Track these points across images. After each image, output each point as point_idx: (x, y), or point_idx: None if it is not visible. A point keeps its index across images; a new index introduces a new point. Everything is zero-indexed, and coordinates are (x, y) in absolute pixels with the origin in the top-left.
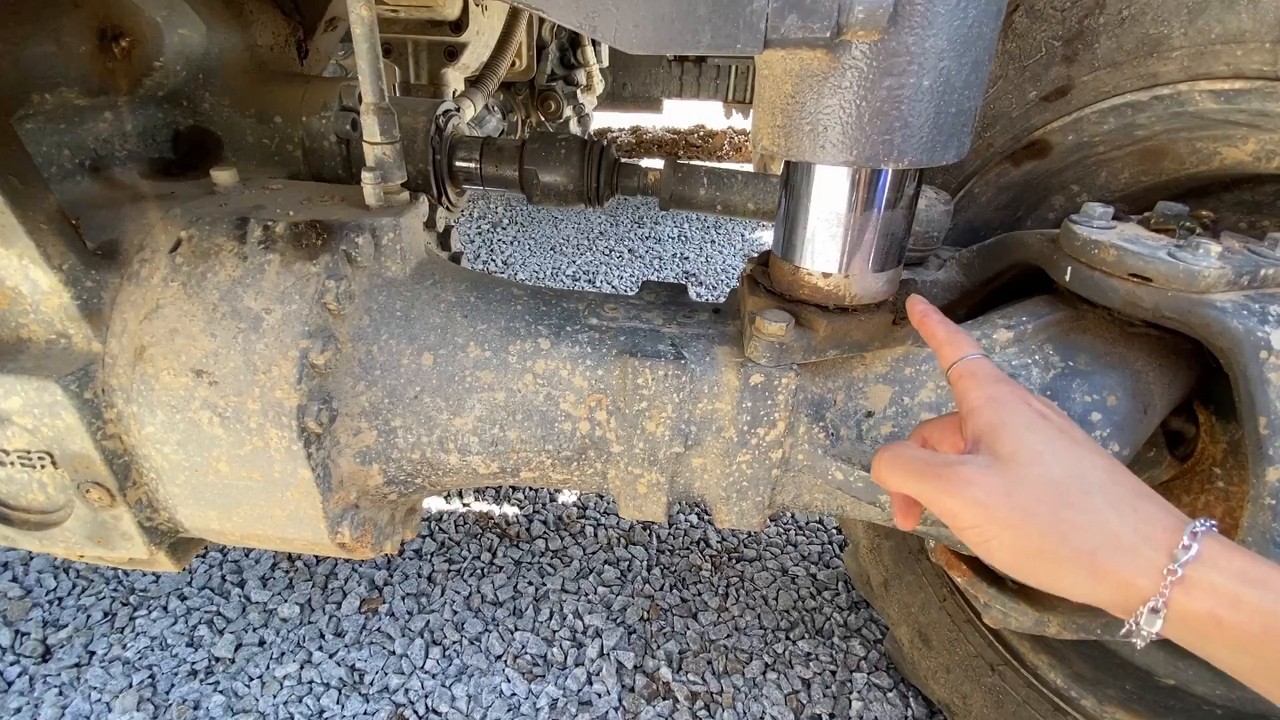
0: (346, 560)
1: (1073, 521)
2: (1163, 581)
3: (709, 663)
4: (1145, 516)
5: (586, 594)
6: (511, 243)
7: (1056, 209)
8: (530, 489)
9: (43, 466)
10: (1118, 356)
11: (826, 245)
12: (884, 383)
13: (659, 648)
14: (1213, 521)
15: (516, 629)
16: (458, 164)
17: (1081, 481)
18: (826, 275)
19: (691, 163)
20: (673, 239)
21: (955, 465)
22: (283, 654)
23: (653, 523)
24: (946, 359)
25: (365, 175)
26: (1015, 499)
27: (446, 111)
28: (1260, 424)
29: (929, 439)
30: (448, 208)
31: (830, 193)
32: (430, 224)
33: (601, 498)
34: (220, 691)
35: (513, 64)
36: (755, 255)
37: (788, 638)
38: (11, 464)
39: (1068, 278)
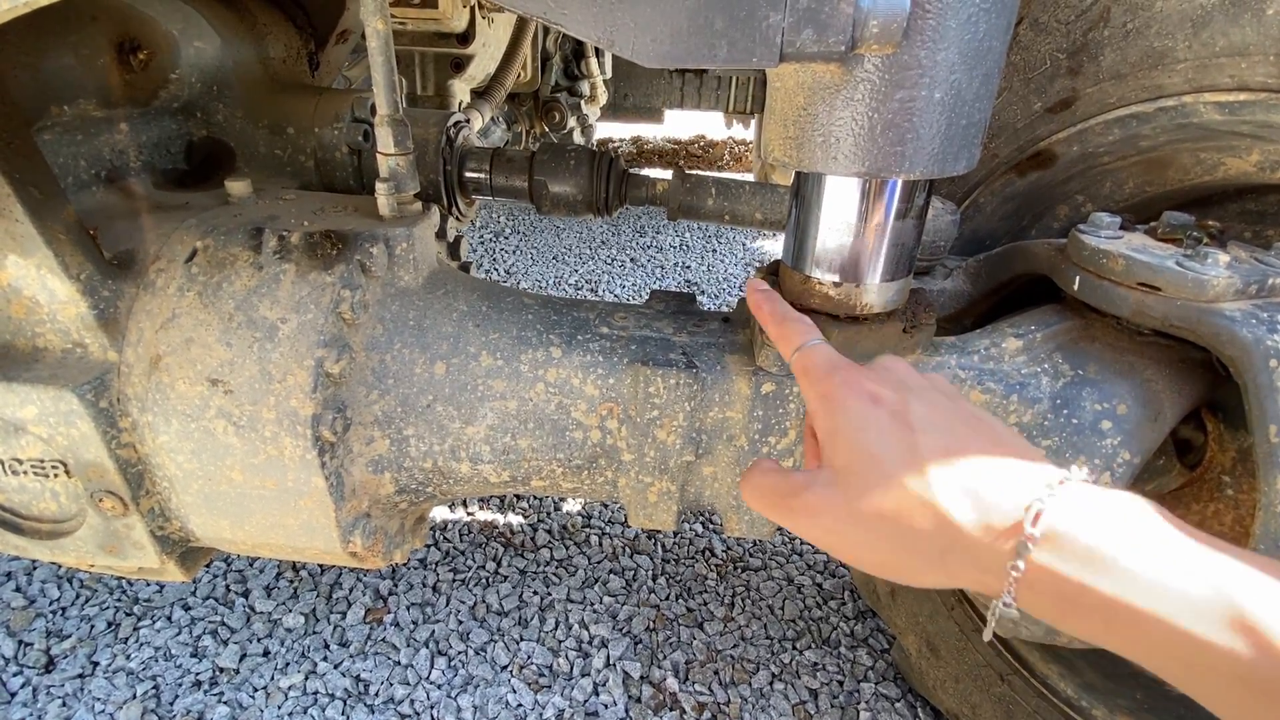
0: (352, 570)
1: (914, 529)
2: (1007, 579)
3: (716, 673)
4: (990, 499)
5: (592, 604)
6: (514, 252)
7: (1061, 219)
8: (535, 498)
9: (56, 475)
10: (1127, 365)
11: (837, 255)
12: None
13: (665, 658)
14: (1064, 475)
15: (522, 639)
16: (468, 175)
17: (919, 474)
18: (837, 284)
19: (699, 173)
20: (674, 248)
21: (801, 493)
22: (287, 664)
23: (658, 532)
24: (785, 353)
25: (379, 186)
26: (858, 519)
27: (457, 123)
28: (1270, 432)
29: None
30: (458, 218)
31: (841, 203)
32: (441, 234)
33: (606, 506)
34: (224, 702)
35: (518, 75)
36: (763, 264)
37: (794, 647)
38: (25, 473)
39: (1076, 287)
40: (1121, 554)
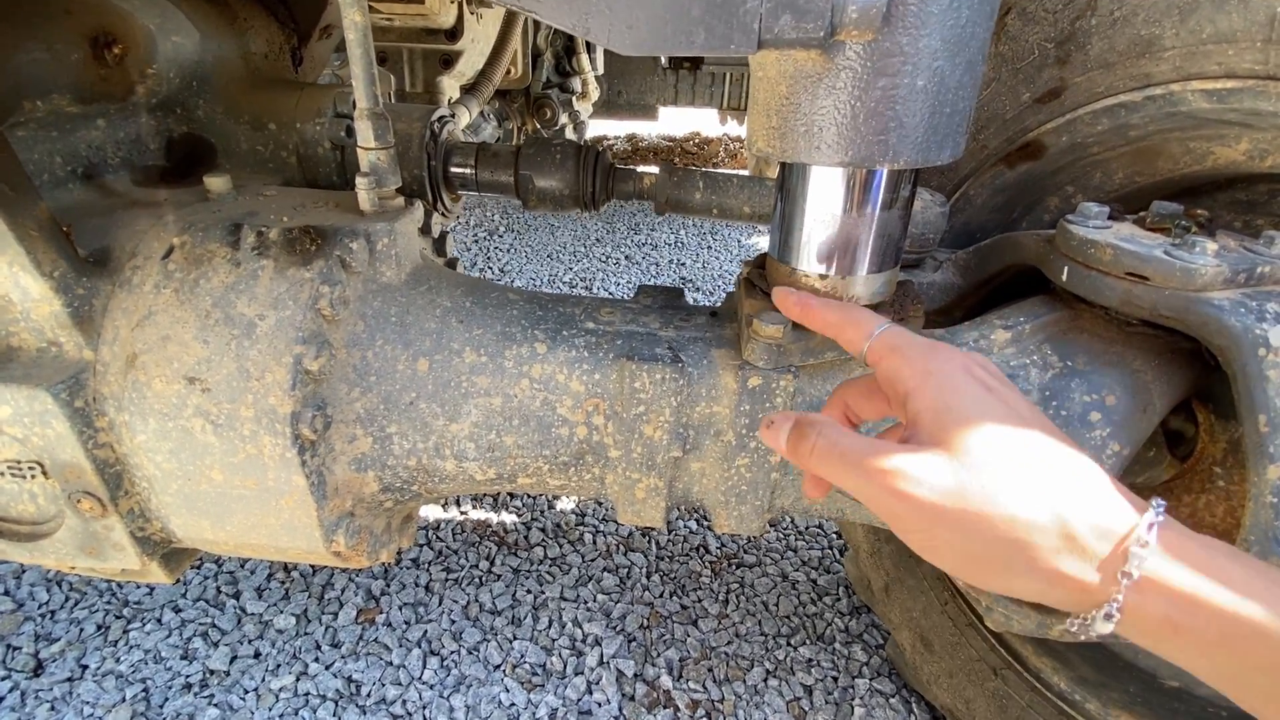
0: (343, 570)
1: (1028, 523)
2: (1117, 586)
3: (710, 670)
4: (1099, 505)
5: (586, 602)
6: (508, 250)
7: (1051, 210)
8: (528, 496)
9: (33, 476)
10: (1116, 356)
11: (822, 247)
12: None
13: (659, 655)
14: (1164, 503)
15: (515, 638)
16: (453, 170)
17: (1035, 470)
18: (823, 277)
19: (686, 167)
20: (669, 245)
21: (898, 459)
22: (278, 666)
23: (651, 529)
24: (855, 340)
25: (359, 181)
26: (967, 500)
27: (441, 118)
28: (1260, 422)
29: (851, 405)
30: (443, 213)
31: (826, 194)
32: (426, 230)
33: (600, 504)
34: (215, 705)
35: (508, 72)
36: (750, 259)
37: (789, 644)
38: (1, 474)
39: (1064, 277)
40: (1233, 570)
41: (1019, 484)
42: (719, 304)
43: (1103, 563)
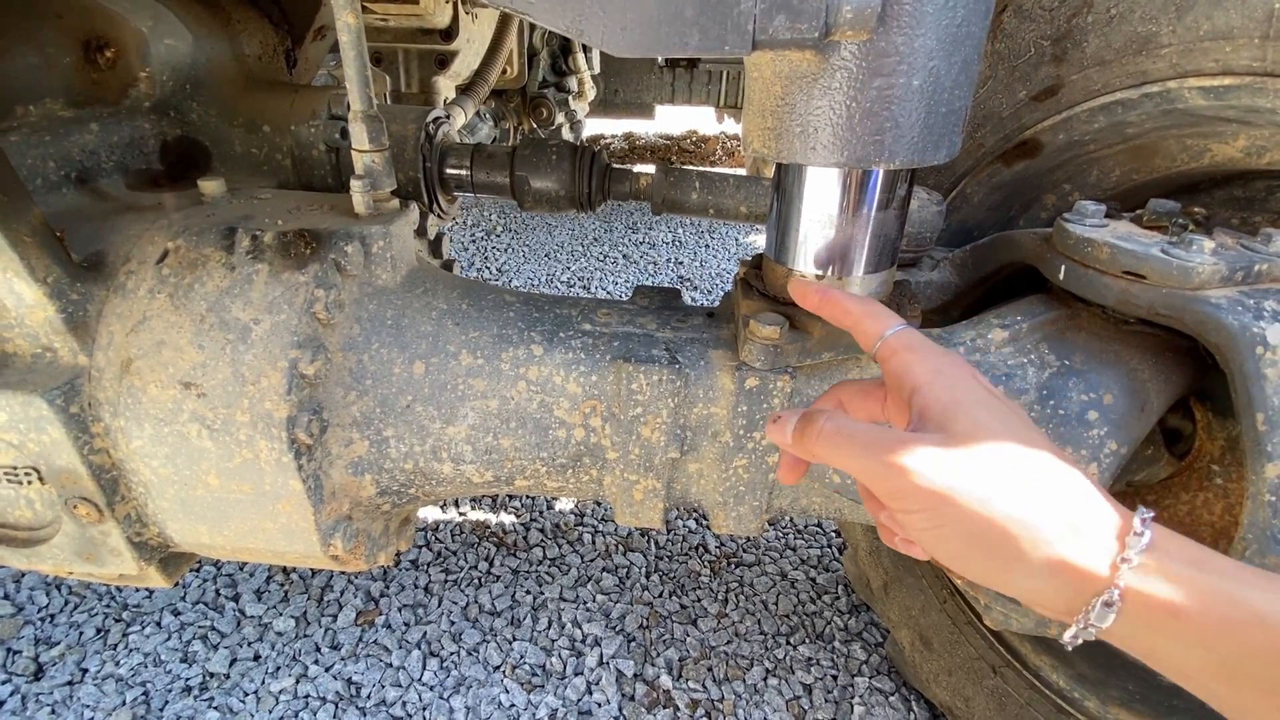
0: (342, 572)
1: (1035, 510)
2: (1117, 572)
3: (709, 670)
4: (1094, 503)
5: (585, 602)
6: (505, 250)
7: (1049, 208)
8: (526, 497)
9: (29, 482)
10: (1113, 354)
11: (819, 247)
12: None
13: (659, 655)
14: (1153, 510)
15: (515, 639)
16: (448, 171)
17: (1038, 464)
18: (820, 277)
19: (682, 167)
20: (667, 244)
21: (908, 442)
22: (278, 668)
23: (650, 530)
24: (870, 334)
25: (354, 183)
26: (974, 485)
27: (436, 119)
28: (1257, 420)
29: (846, 403)
30: (439, 215)
31: (822, 194)
32: (421, 232)
33: (598, 505)
34: (215, 708)
35: (504, 71)
36: (747, 260)
37: (788, 643)
38: None
39: (1061, 276)
40: (1225, 562)
41: (1023, 475)
42: (716, 304)
43: (1102, 549)
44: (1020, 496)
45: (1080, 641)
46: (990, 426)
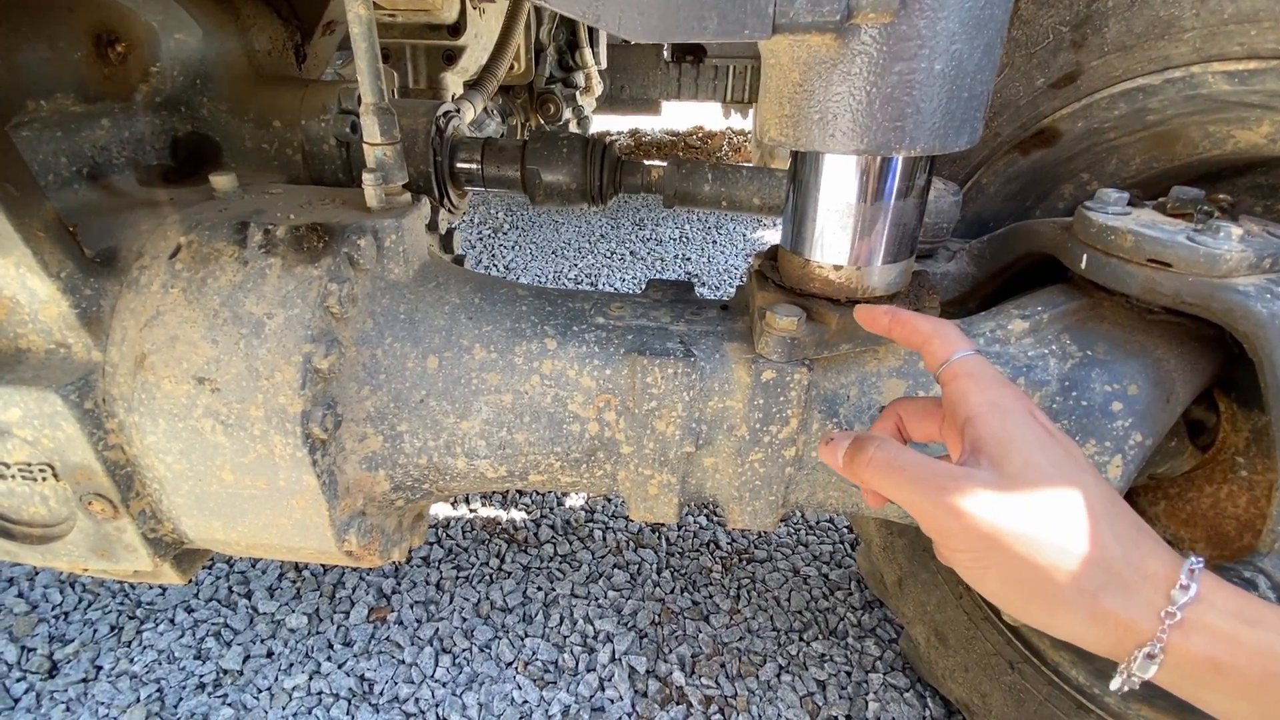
0: (354, 569)
1: (1081, 557)
2: (1160, 625)
3: (722, 666)
4: (1144, 551)
5: (596, 599)
6: (513, 247)
7: (1066, 198)
8: (537, 494)
9: (44, 479)
10: (1137, 344)
11: (837, 237)
12: (898, 377)
13: (671, 652)
14: (1202, 559)
15: (527, 635)
16: (459, 165)
17: (1091, 511)
18: (838, 268)
19: (694, 159)
20: (674, 240)
21: (958, 480)
22: (291, 665)
23: (662, 525)
24: (937, 355)
25: (366, 177)
26: (1024, 528)
27: (447, 113)
28: None
29: (904, 420)
30: (450, 210)
31: (840, 183)
32: (433, 226)
33: (609, 501)
34: (229, 704)
35: (511, 67)
36: (762, 251)
37: (801, 639)
38: (12, 477)
39: (1083, 265)
40: (1271, 614)
41: (1071, 521)
42: (726, 299)
43: (1146, 602)
44: (1066, 543)
45: (1126, 690)
46: (1042, 468)
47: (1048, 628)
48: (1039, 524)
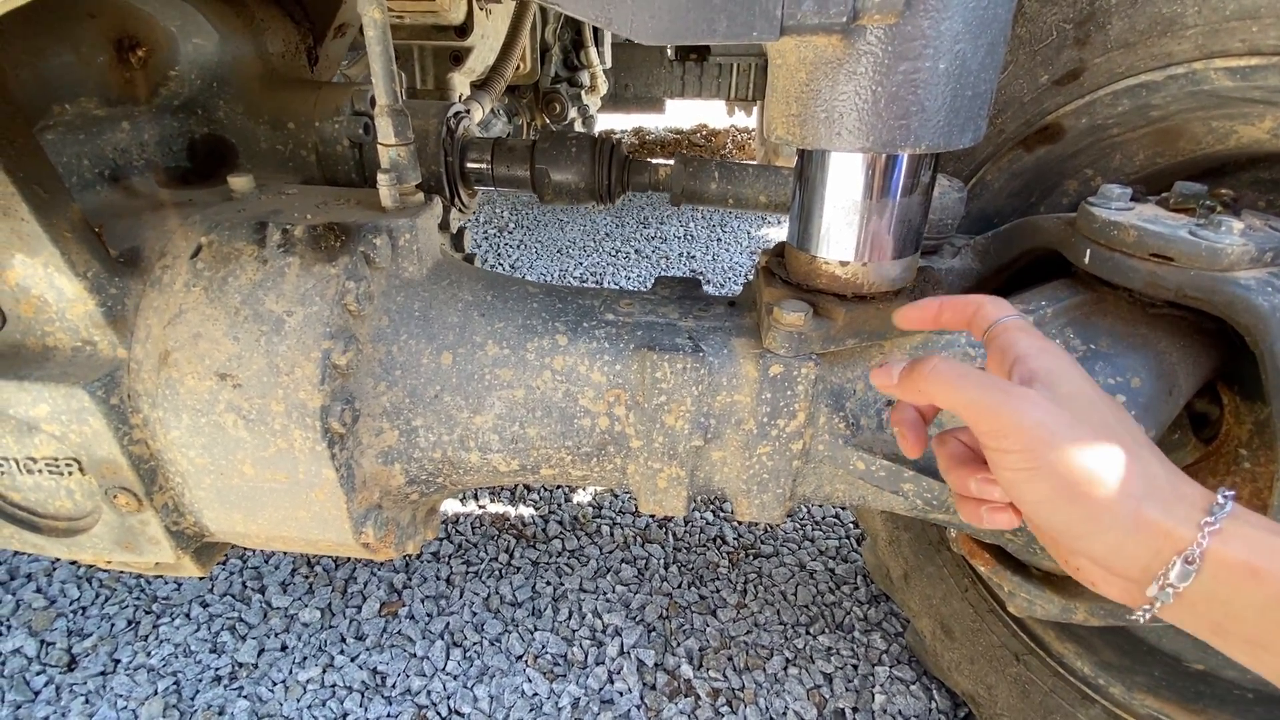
0: (365, 564)
1: (1127, 465)
2: (1200, 532)
3: (730, 659)
4: (1179, 478)
5: (605, 593)
6: (518, 246)
7: (1070, 194)
8: (545, 489)
9: (70, 473)
10: (1140, 338)
11: (843, 234)
12: None
13: (679, 645)
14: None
15: (536, 629)
16: (470, 165)
17: (1133, 434)
18: (844, 264)
19: (701, 157)
20: (679, 238)
21: (1018, 386)
22: (305, 658)
23: (669, 521)
24: (990, 316)
25: (381, 177)
26: (1074, 432)
27: (457, 114)
28: None
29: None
30: (460, 209)
31: (846, 180)
32: (444, 225)
33: (617, 496)
34: (244, 696)
35: (517, 67)
36: (769, 248)
37: (808, 633)
38: (40, 471)
39: (1087, 260)
40: None
41: (1119, 435)
42: (736, 294)
43: (1185, 515)
44: (1114, 454)
45: (1155, 609)
46: (1090, 395)
47: (1086, 537)
48: (1089, 435)
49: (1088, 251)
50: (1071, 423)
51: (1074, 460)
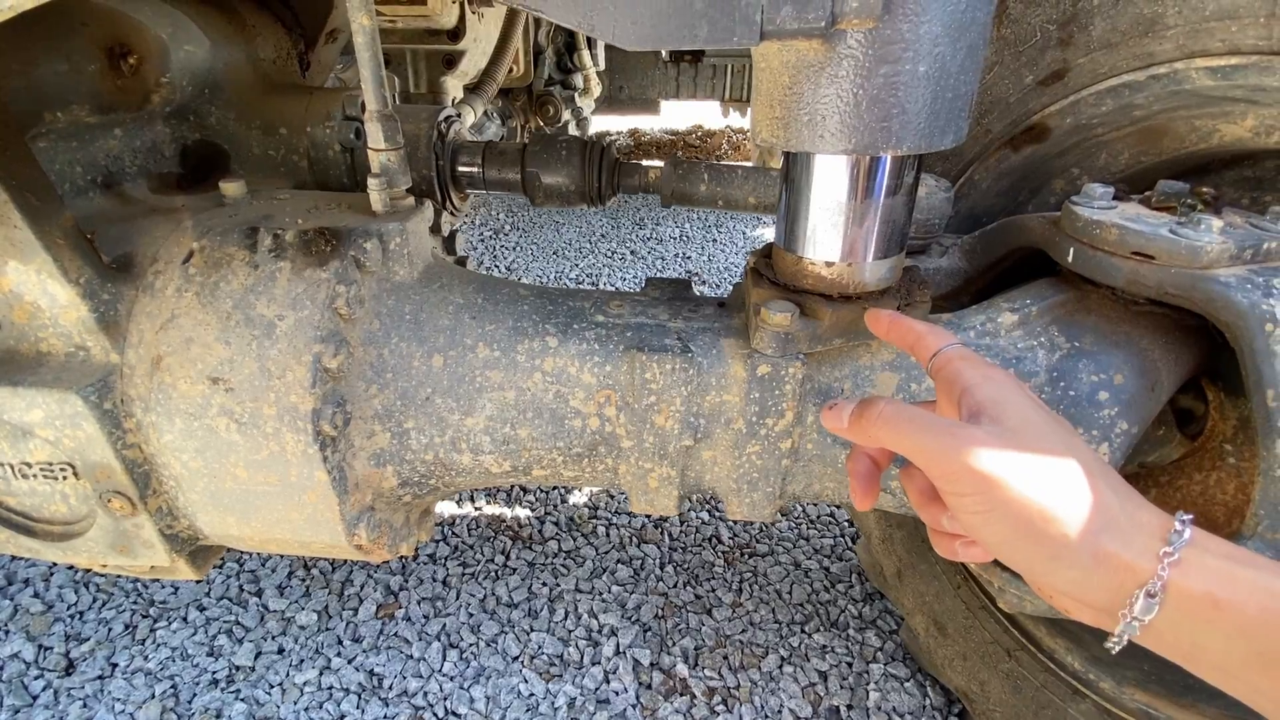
0: (362, 566)
1: (1082, 501)
2: (1160, 564)
3: (725, 658)
4: (1136, 504)
5: (601, 593)
6: (514, 249)
7: (1057, 193)
8: (541, 490)
9: (65, 478)
10: (1123, 335)
11: (828, 235)
12: (890, 370)
13: (675, 644)
14: (1190, 515)
15: (532, 630)
16: (460, 169)
17: (1086, 464)
18: (829, 264)
19: (691, 160)
20: (674, 239)
21: (966, 429)
22: (302, 661)
23: (664, 521)
24: (929, 348)
25: (371, 182)
26: (1025, 471)
27: (448, 118)
28: (1268, 397)
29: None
30: (452, 212)
31: (830, 182)
32: (435, 229)
33: (612, 497)
34: (242, 699)
35: (510, 70)
36: (757, 249)
37: (803, 631)
38: (34, 476)
39: (1070, 259)
40: (1259, 557)
41: (1071, 468)
42: (726, 295)
43: (1144, 546)
44: (1067, 488)
45: (1125, 642)
46: (1038, 425)
47: (1048, 575)
48: (1041, 470)
49: (1071, 250)
50: (1020, 460)
51: (1028, 500)
